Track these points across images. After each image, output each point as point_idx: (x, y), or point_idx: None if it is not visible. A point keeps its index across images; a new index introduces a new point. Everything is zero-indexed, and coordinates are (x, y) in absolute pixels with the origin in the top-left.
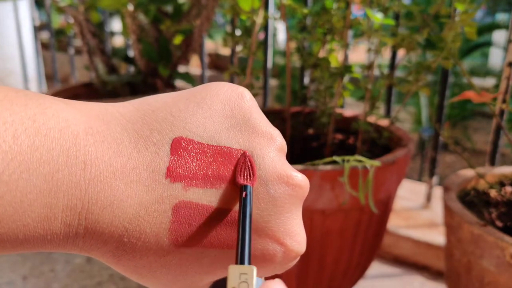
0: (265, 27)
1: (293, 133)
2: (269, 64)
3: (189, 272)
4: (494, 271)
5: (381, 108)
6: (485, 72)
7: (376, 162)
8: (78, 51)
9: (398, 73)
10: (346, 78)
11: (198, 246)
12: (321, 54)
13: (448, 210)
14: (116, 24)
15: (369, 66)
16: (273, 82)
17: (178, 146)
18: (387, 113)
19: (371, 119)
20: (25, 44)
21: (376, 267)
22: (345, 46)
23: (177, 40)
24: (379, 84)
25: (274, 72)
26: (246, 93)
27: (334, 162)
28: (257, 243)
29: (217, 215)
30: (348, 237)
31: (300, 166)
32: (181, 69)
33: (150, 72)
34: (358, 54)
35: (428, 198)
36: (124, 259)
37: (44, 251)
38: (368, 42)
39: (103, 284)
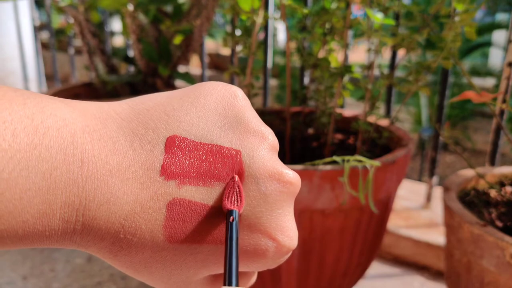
0: (265, 27)
1: (293, 133)
2: (269, 64)
3: (183, 267)
4: (494, 271)
5: (381, 108)
6: (485, 72)
7: (376, 162)
8: (78, 51)
9: (398, 73)
10: (346, 78)
11: (191, 242)
12: (321, 54)
13: (448, 210)
14: (116, 24)
15: (369, 66)
16: (273, 82)
17: (172, 144)
18: (387, 113)
19: (371, 119)
20: (25, 44)
21: (376, 267)
22: (345, 46)
23: (177, 40)
24: (379, 84)
25: (274, 72)
26: (239, 92)
27: (334, 162)
28: (249, 239)
29: (210, 212)
30: (348, 237)
31: (300, 166)
32: (181, 69)
33: (150, 72)
34: (358, 54)
35: (428, 198)
36: (120, 255)
37: (43, 247)
38: (368, 42)
39: (103, 283)
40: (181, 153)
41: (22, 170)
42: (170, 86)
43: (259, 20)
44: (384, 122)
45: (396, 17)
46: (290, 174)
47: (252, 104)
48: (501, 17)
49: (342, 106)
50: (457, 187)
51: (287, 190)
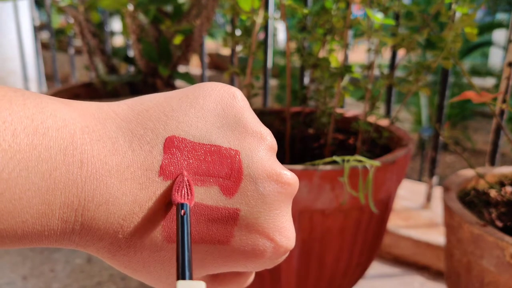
0: (265, 27)
1: (293, 133)
2: (269, 64)
3: None
4: (494, 271)
5: (381, 108)
6: (485, 72)
7: (376, 162)
8: (78, 51)
9: (398, 73)
10: (346, 78)
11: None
12: (321, 54)
13: (448, 210)
14: (116, 24)
15: (369, 66)
16: (273, 82)
17: (171, 145)
18: (387, 113)
19: (371, 119)
20: (25, 44)
21: (376, 267)
22: (345, 46)
23: (177, 40)
24: (379, 84)
25: (274, 72)
26: (238, 93)
27: (334, 162)
28: (247, 239)
29: (208, 212)
30: (348, 237)
31: (300, 166)
32: (181, 69)
33: (150, 72)
34: (358, 54)
35: (428, 198)
36: (119, 255)
37: (42, 246)
38: (368, 42)
39: (103, 284)
40: (179, 154)
41: (22, 171)
42: (170, 86)
43: (259, 20)
44: (384, 122)
45: (396, 17)
46: (288, 175)
47: (252, 104)
48: (501, 17)
49: (342, 106)
50: (457, 187)
51: (285, 191)
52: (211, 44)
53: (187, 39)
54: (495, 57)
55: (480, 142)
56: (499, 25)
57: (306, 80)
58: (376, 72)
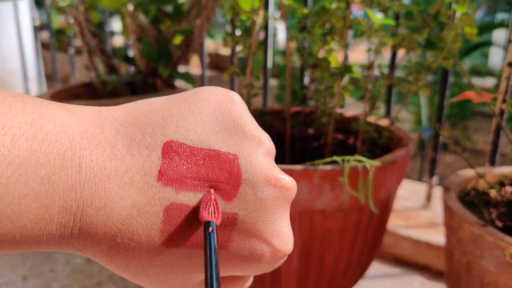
0: (265, 27)
1: (293, 133)
2: (269, 64)
3: (180, 271)
4: (494, 271)
5: (381, 108)
6: (485, 72)
7: (376, 162)
8: (78, 51)
9: (398, 73)
10: (346, 78)
11: (188, 246)
12: (321, 54)
13: (448, 210)
14: (116, 24)
15: (369, 66)
16: (273, 82)
17: (169, 149)
18: (387, 113)
19: (371, 119)
20: (25, 44)
21: (376, 267)
22: (345, 46)
23: (177, 40)
24: (379, 84)
25: (274, 72)
26: (236, 98)
27: (334, 162)
28: (245, 243)
29: None
30: (348, 237)
31: (300, 166)
32: (181, 69)
33: (150, 72)
34: (358, 54)
35: (428, 198)
36: (117, 259)
37: (40, 250)
38: (368, 42)
39: (103, 284)
40: (178, 158)
41: (21, 176)
42: (170, 86)
43: (259, 20)
44: (384, 122)
45: (396, 17)
46: (287, 179)
47: (252, 104)
48: (501, 16)
49: (342, 106)
50: (457, 187)
51: (283, 195)
52: (211, 44)
53: (187, 39)
54: (495, 57)
55: (480, 142)
56: (499, 25)
57: (306, 80)
58: (376, 72)
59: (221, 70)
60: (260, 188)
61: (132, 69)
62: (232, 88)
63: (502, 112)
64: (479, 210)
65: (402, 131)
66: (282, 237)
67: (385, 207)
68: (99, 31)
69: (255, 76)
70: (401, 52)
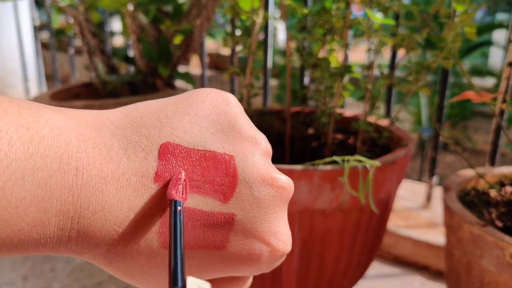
0: (265, 27)
1: (293, 133)
2: (269, 64)
3: None
4: (494, 271)
5: (381, 108)
6: (485, 72)
7: (376, 162)
8: (78, 51)
9: (398, 73)
10: (346, 78)
11: (186, 248)
12: (321, 54)
13: (448, 210)
14: (116, 24)
15: (369, 66)
16: (273, 82)
17: (165, 151)
18: (387, 113)
19: (371, 119)
20: (25, 44)
21: (376, 267)
22: (345, 46)
23: (177, 40)
24: (379, 84)
25: (274, 72)
26: (232, 99)
27: (334, 162)
28: (243, 244)
29: (203, 218)
30: (348, 237)
31: (300, 166)
32: (181, 69)
33: (150, 72)
34: (358, 54)
35: (428, 198)
36: (115, 262)
37: (38, 254)
38: (368, 42)
39: (103, 284)
40: (174, 160)
41: (18, 179)
42: (170, 86)
43: (259, 20)
44: (384, 122)
45: (396, 17)
46: (283, 179)
47: (252, 104)
48: (501, 17)
49: (342, 106)
50: (457, 187)
51: (280, 195)
52: (211, 44)
53: (187, 39)
54: (495, 57)
55: (480, 142)
56: (499, 25)
57: (306, 80)
58: (376, 72)
59: (221, 70)
60: (257, 188)
61: (132, 69)
62: (232, 88)
63: (502, 112)
64: (479, 210)
65: (402, 131)
66: (280, 236)
67: (385, 207)
68: (99, 31)
69: (255, 76)
70: (401, 52)
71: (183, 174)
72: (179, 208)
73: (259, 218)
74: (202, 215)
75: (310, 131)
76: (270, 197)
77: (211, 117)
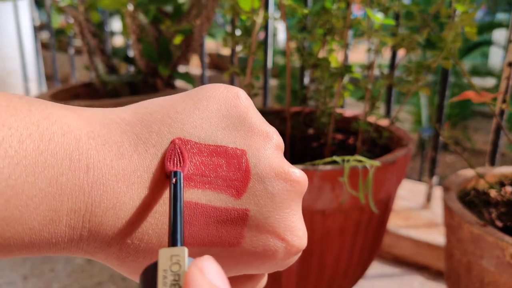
0: (265, 27)
1: (293, 133)
2: (269, 64)
3: None
4: (494, 271)
5: (381, 108)
6: (485, 72)
7: (376, 162)
8: (78, 51)
9: (398, 73)
10: (346, 78)
11: (200, 245)
12: (321, 54)
13: (448, 210)
14: (116, 24)
15: (369, 66)
16: (273, 82)
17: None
18: (387, 113)
19: (371, 119)
20: (25, 44)
21: (376, 267)
22: (345, 46)
23: (177, 40)
24: (379, 84)
25: (274, 72)
26: (242, 93)
27: (334, 162)
28: (258, 240)
29: (217, 214)
30: (348, 237)
31: (300, 166)
32: (181, 69)
33: (150, 72)
34: (358, 54)
35: (428, 198)
36: (128, 261)
37: (50, 254)
38: (368, 42)
39: (103, 284)
40: (186, 156)
41: (28, 177)
42: (170, 86)
43: (259, 20)
44: (384, 122)
45: (396, 17)
46: (297, 172)
47: None
48: (501, 16)
49: (342, 106)
50: (457, 187)
51: (294, 189)
52: (211, 44)
53: (187, 39)
54: (495, 57)
55: (480, 142)
56: (499, 25)
57: (306, 80)
58: (376, 72)
59: (221, 70)
60: (270, 182)
61: (132, 69)
62: None
63: (502, 112)
64: (479, 210)
65: (402, 131)
66: (296, 231)
67: (385, 207)
68: (99, 31)
69: (255, 76)
70: (401, 52)
71: (176, 142)
72: (174, 178)
73: (273, 213)
74: (216, 212)
75: (310, 131)
76: (284, 192)
77: (221, 112)
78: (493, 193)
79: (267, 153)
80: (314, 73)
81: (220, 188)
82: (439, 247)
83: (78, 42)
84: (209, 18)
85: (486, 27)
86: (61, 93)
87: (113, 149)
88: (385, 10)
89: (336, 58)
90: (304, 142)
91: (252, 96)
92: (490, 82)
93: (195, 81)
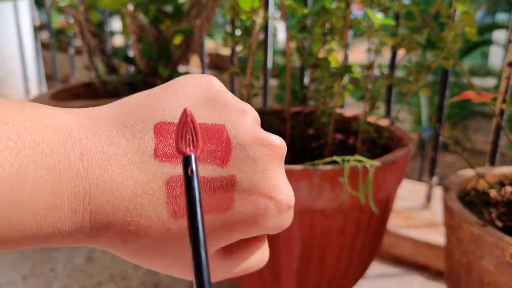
0: (265, 27)
1: (293, 133)
2: (269, 64)
3: None
4: (494, 271)
5: (381, 108)
6: (485, 72)
7: (376, 162)
8: (78, 51)
9: (398, 73)
10: (346, 78)
11: None
12: (321, 54)
13: (448, 210)
14: (116, 24)
15: (369, 66)
16: (273, 82)
17: (160, 129)
18: (387, 113)
19: (371, 119)
20: (25, 44)
21: (376, 267)
22: (345, 46)
23: (177, 40)
24: (379, 84)
25: (274, 72)
26: (215, 80)
27: (334, 162)
28: (248, 202)
29: (207, 183)
30: (348, 237)
31: (300, 166)
32: (181, 69)
33: (150, 72)
34: (358, 54)
35: (428, 198)
36: (130, 240)
37: (56, 244)
38: (368, 42)
39: (103, 284)
40: (169, 136)
41: (29, 165)
42: None
43: (259, 20)
44: (384, 122)
45: (396, 17)
46: (274, 138)
47: (252, 104)
48: (501, 17)
49: (342, 106)
50: (457, 187)
51: (273, 152)
52: (211, 44)
53: (187, 39)
54: (495, 57)
55: (480, 142)
56: (499, 25)
57: (306, 80)
58: (376, 72)
59: (221, 70)
60: (251, 148)
61: (132, 69)
62: (232, 88)
63: (502, 112)
64: (479, 210)
65: (402, 131)
66: (281, 190)
67: (385, 207)
68: (99, 31)
69: (255, 76)
70: (401, 52)
71: (188, 113)
72: (189, 168)
73: (257, 176)
74: (206, 181)
75: (310, 131)
76: (264, 155)
77: (197, 95)
78: (493, 193)
79: (244, 125)
80: (314, 73)
81: (206, 160)
82: (439, 247)
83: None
84: (209, 18)
85: (486, 28)
86: (61, 93)
87: (102, 137)
88: (385, 10)
89: (336, 58)
90: (304, 142)
91: (252, 96)
92: (490, 82)
93: None
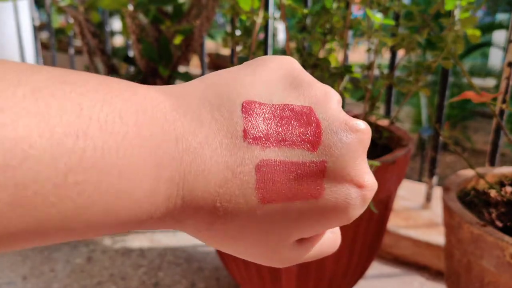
0: (265, 27)
1: None
2: None
3: (276, 228)
4: (494, 271)
5: (381, 108)
6: (485, 72)
7: (376, 162)
8: (78, 51)
9: (398, 73)
10: (346, 78)
11: (284, 200)
12: (321, 54)
13: (448, 210)
14: (116, 24)
15: (369, 66)
16: None
17: (248, 109)
18: (387, 113)
19: (371, 119)
20: (25, 44)
21: (376, 267)
22: (345, 46)
23: (177, 40)
24: (379, 84)
25: None
26: (294, 61)
27: None
28: (338, 189)
29: (296, 169)
30: (348, 237)
31: None
32: (181, 69)
33: (150, 72)
34: (358, 54)
35: (428, 198)
36: (216, 224)
37: (141, 229)
38: (368, 42)
39: (103, 284)
40: (257, 116)
41: (134, 149)
42: None
43: (259, 20)
44: (384, 122)
45: (396, 17)
46: (362, 124)
47: None
48: (501, 17)
49: (342, 106)
50: (457, 187)
51: (363, 138)
52: (211, 44)
53: (187, 39)
54: (495, 57)
55: (480, 142)
56: (499, 25)
57: None
58: (376, 72)
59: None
60: (344, 133)
61: (132, 69)
62: None
63: (502, 112)
64: (479, 210)
65: (402, 131)
66: (370, 178)
67: (385, 207)
68: (99, 31)
69: None
70: (401, 52)
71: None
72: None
73: (349, 162)
74: (295, 167)
75: None
76: (356, 141)
77: (279, 75)
78: (493, 193)
79: (332, 108)
80: (314, 73)
81: (295, 144)
82: (439, 247)
83: (78, 42)
84: (209, 18)
85: (486, 28)
86: None
87: (193, 118)
88: (385, 10)
89: (336, 58)
90: None
91: None
92: (490, 82)
93: None
